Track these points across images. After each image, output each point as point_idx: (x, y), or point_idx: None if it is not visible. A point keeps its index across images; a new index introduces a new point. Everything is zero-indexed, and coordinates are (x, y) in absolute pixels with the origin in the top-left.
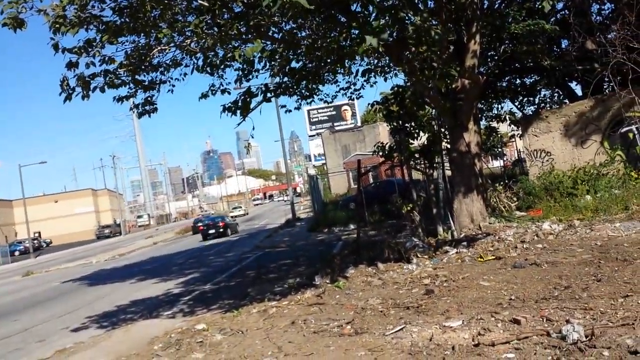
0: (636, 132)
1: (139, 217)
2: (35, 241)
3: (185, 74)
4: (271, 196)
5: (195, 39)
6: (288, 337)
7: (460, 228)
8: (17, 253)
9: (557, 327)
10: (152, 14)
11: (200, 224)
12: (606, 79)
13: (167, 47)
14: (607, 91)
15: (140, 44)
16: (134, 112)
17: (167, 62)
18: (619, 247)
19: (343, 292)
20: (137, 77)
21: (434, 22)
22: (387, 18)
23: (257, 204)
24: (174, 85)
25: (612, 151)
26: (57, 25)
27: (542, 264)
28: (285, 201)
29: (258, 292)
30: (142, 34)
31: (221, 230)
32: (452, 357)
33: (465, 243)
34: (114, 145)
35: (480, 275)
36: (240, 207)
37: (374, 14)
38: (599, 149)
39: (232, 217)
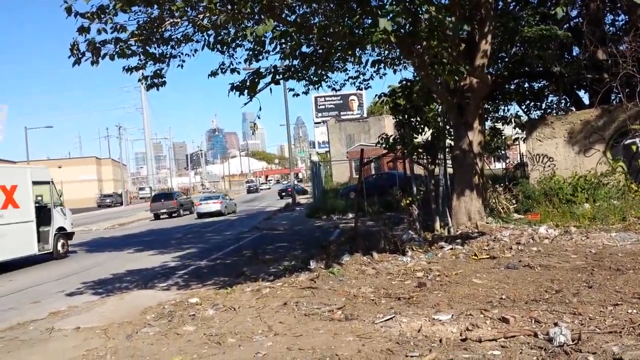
0: (639, 145)
1: (141, 189)
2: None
3: (195, 50)
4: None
5: (208, 14)
6: (279, 318)
7: (457, 225)
8: None
9: (545, 328)
10: None
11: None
12: (614, 90)
13: (179, 20)
14: (614, 102)
15: (153, 15)
16: (142, 83)
17: (179, 36)
18: (613, 257)
19: (337, 278)
20: (147, 48)
21: (448, 17)
22: (402, 6)
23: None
24: (184, 61)
25: (614, 162)
26: None
27: (536, 266)
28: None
29: (253, 272)
30: (156, 5)
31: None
32: (439, 349)
33: (460, 240)
34: (120, 116)
35: (473, 273)
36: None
37: (388, 2)
38: (601, 158)
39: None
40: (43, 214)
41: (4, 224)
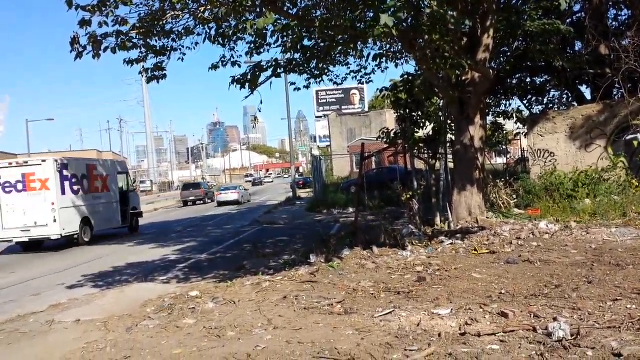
0: None
1: (142, 182)
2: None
3: (197, 43)
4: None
5: (209, 7)
6: (279, 311)
7: (457, 220)
8: None
9: (544, 323)
10: None
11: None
12: (616, 85)
13: (180, 13)
14: (616, 97)
15: (154, 8)
16: (143, 76)
17: (180, 29)
18: (613, 252)
19: (337, 272)
20: (148, 41)
21: (449, 12)
22: (403, 1)
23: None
24: (184, 54)
25: (615, 157)
26: None
27: (535, 261)
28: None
29: (253, 266)
30: None
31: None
32: (438, 343)
33: (461, 235)
34: (121, 109)
35: (473, 268)
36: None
37: None
38: (602, 154)
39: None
40: (122, 197)
41: (103, 203)
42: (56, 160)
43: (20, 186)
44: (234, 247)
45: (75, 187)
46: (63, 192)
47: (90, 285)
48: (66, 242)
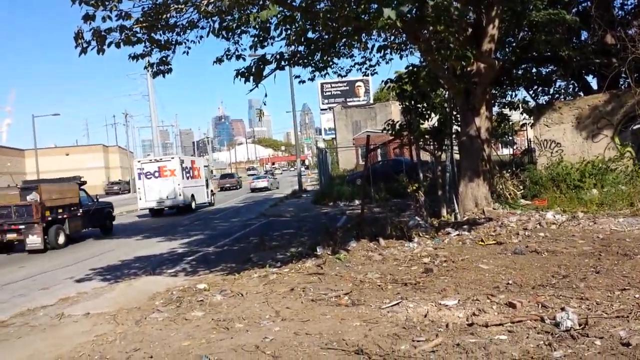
0: None
1: None
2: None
3: (201, 37)
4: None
5: (212, 0)
6: (286, 303)
7: (464, 211)
8: None
9: (552, 313)
10: None
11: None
12: (623, 75)
13: (184, 6)
14: (622, 87)
15: (157, 2)
16: (148, 70)
17: (184, 22)
18: (620, 242)
19: (343, 264)
20: (153, 35)
21: (454, 2)
22: None
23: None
24: (189, 47)
25: (622, 147)
26: None
27: (543, 252)
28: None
29: (260, 258)
30: None
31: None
32: (446, 334)
33: (467, 226)
34: (126, 104)
35: (480, 259)
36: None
37: None
38: (609, 144)
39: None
40: (206, 182)
41: (198, 186)
42: (179, 158)
43: (156, 174)
44: (241, 240)
45: (187, 175)
46: (182, 178)
47: (99, 279)
48: (183, 209)
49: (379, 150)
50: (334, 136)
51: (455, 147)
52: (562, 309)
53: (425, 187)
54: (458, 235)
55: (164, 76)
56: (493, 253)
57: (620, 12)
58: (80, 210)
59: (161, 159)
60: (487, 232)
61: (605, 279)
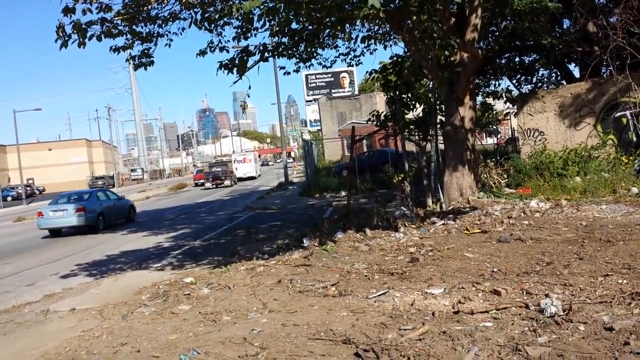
0: (630, 118)
1: (133, 170)
2: (28, 188)
3: (183, 29)
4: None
5: None
6: (273, 295)
7: (449, 201)
8: (9, 199)
9: (536, 300)
10: None
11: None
12: (604, 63)
13: None
14: (604, 75)
15: None
16: (130, 63)
17: (165, 14)
18: (603, 229)
19: (330, 255)
20: (134, 27)
21: None
22: None
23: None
24: (171, 40)
25: (604, 135)
26: None
27: (527, 239)
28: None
29: (247, 251)
30: None
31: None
32: (432, 322)
33: (452, 215)
34: (109, 97)
35: (465, 247)
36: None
37: None
38: (591, 131)
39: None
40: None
41: (253, 167)
42: (255, 153)
43: (242, 161)
44: (228, 233)
45: (255, 161)
46: (254, 164)
47: (85, 274)
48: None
49: (364, 142)
50: (319, 128)
51: (440, 137)
52: (546, 296)
53: (411, 177)
54: (443, 224)
55: (145, 69)
56: (478, 241)
57: (602, 0)
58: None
59: (246, 152)
60: (472, 221)
61: (588, 265)
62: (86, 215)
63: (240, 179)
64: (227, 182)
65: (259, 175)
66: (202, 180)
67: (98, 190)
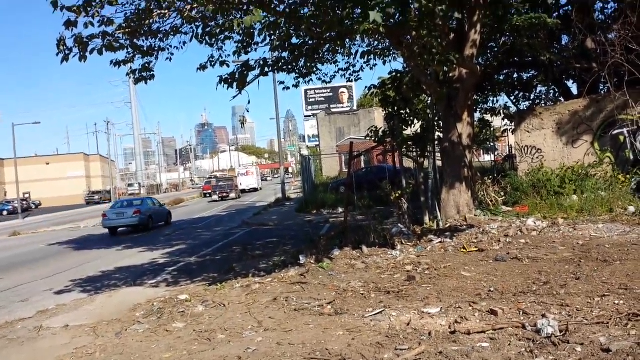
0: (627, 136)
1: (130, 185)
2: (24, 202)
3: (184, 43)
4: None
5: (196, 5)
6: (269, 313)
7: (446, 218)
8: (5, 213)
9: (533, 320)
10: None
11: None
12: (602, 80)
13: (167, 12)
14: (602, 92)
15: (140, 7)
16: (130, 77)
17: (167, 28)
18: (600, 248)
19: (326, 272)
20: (135, 41)
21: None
22: None
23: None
24: (172, 54)
25: (601, 153)
26: None
27: (524, 259)
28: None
29: (243, 268)
30: None
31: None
32: (428, 342)
33: (449, 233)
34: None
35: (462, 266)
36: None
37: None
38: (589, 149)
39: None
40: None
41: (255, 180)
42: (256, 167)
43: (245, 174)
44: (224, 250)
45: (257, 175)
46: (256, 176)
47: (79, 290)
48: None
49: (362, 158)
50: (317, 143)
51: (438, 154)
52: (543, 316)
53: (408, 194)
54: (440, 242)
55: (146, 83)
56: (475, 260)
57: (600, 16)
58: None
59: (248, 166)
60: (469, 239)
61: (585, 285)
62: (140, 216)
63: (243, 191)
64: (232, 195)
65: (261, 189)
66: (209, 192)
67: (146, 198)
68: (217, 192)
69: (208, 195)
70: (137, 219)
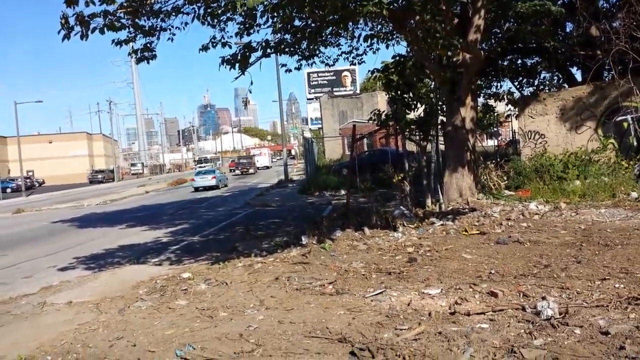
0: (631, 122)
1: (133, 165)
2: (28, 180)
3: (186, 23)
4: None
5: None
6: (270, 292)
7: (448, 201)
8: (8, 190)
9: (533, 302)
10: None
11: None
12: (607, 67)
13: None
14: (606, 79)
15: None
16: (132, 57)
17: (168, 8)
18: (601, 232)
19: (328, 253)
20: (137, 21)
21: None
22: None
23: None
24: (174, 34)
25: (605, 139)
26: None
27: (525, 242)
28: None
29: (245, 248)
30: None
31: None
32: (428, 322)
33: (451, 216)
34: (110, 91)
35: (463, 248)
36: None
37: None
38: (592, 135)
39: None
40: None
41: (267, 159)
42: (267, 149)
43: (259, 154)
44: (226, 229)
45: (269, 155)
46: (268, 157)
47: (82, 268)
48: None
49: (365, 140)
50: (320, 126)
51: (441, 138)
52: (543, 298)
53: (411, 177)
54: (442, 225)
55: (148, 62)
56: (476, 243)
57: (604, 4)
58: None
59: (263, 147)
60: (470, 222)
61: (586, 269)
62: (216, 180)
63: (258, 168)
64: (251, 171)
65: (271, 167)
66: (234, 167)
67: (213, 169)
68: (239, 168)
69: (232, 171)
70: (214, 182)
